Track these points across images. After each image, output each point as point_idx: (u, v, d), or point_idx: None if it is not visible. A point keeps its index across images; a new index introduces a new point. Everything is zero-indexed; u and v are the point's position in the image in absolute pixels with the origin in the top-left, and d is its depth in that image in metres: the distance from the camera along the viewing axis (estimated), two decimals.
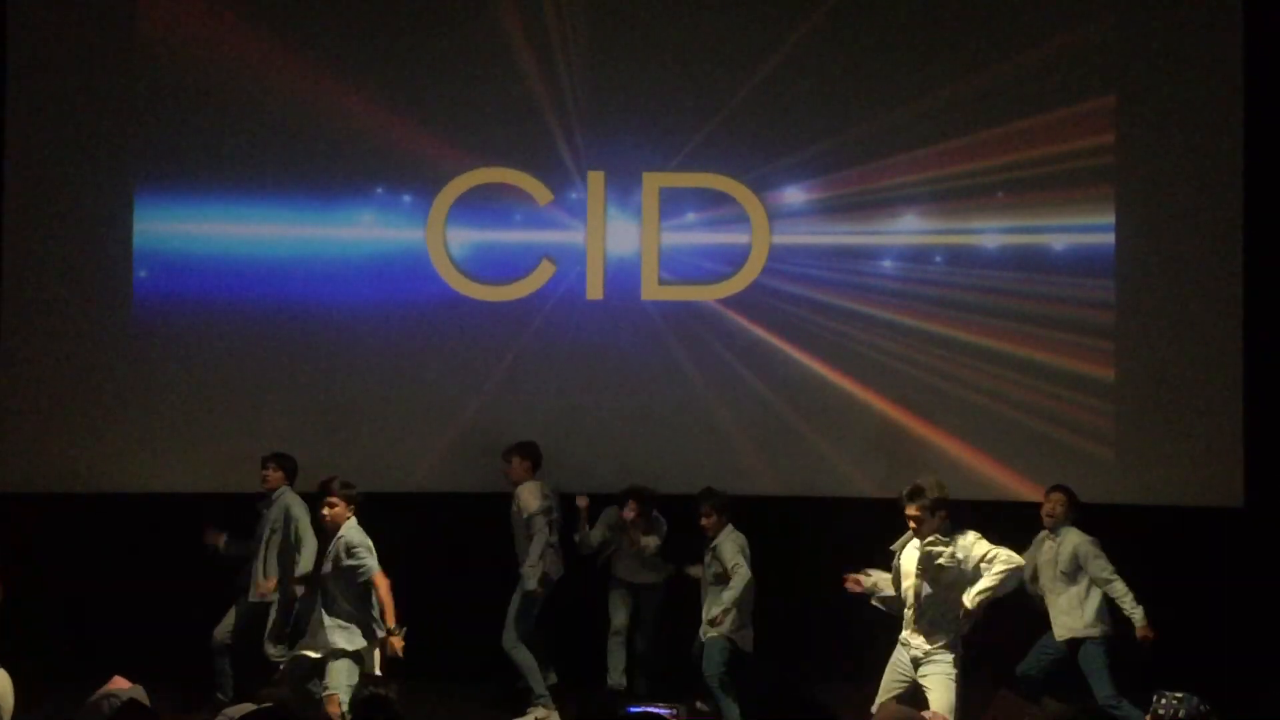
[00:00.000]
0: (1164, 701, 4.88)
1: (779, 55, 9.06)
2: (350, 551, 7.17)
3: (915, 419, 9.08)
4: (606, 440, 9.12)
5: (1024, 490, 8.92)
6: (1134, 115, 8.97)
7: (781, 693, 8.35)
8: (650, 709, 6.59)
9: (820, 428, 9.10)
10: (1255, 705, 6.82)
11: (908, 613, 6.73)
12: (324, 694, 7.10)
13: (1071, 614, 7.71)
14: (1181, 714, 4.79)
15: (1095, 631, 7.68)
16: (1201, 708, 4.80)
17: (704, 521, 8.12)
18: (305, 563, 8.00)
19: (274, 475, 8.29)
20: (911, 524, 6.66)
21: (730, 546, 8.01)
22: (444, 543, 8.88)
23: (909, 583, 6.71)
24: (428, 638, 7.78)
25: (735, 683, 7.91)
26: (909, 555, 6.74)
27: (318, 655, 7.19)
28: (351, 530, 7.25)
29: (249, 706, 5.41)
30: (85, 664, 7.33)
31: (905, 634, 6.73)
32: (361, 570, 7.15)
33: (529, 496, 8.33)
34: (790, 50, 9.07)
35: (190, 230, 9.04)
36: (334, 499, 7.26)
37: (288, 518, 8.16)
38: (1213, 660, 7.93)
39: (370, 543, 7.24)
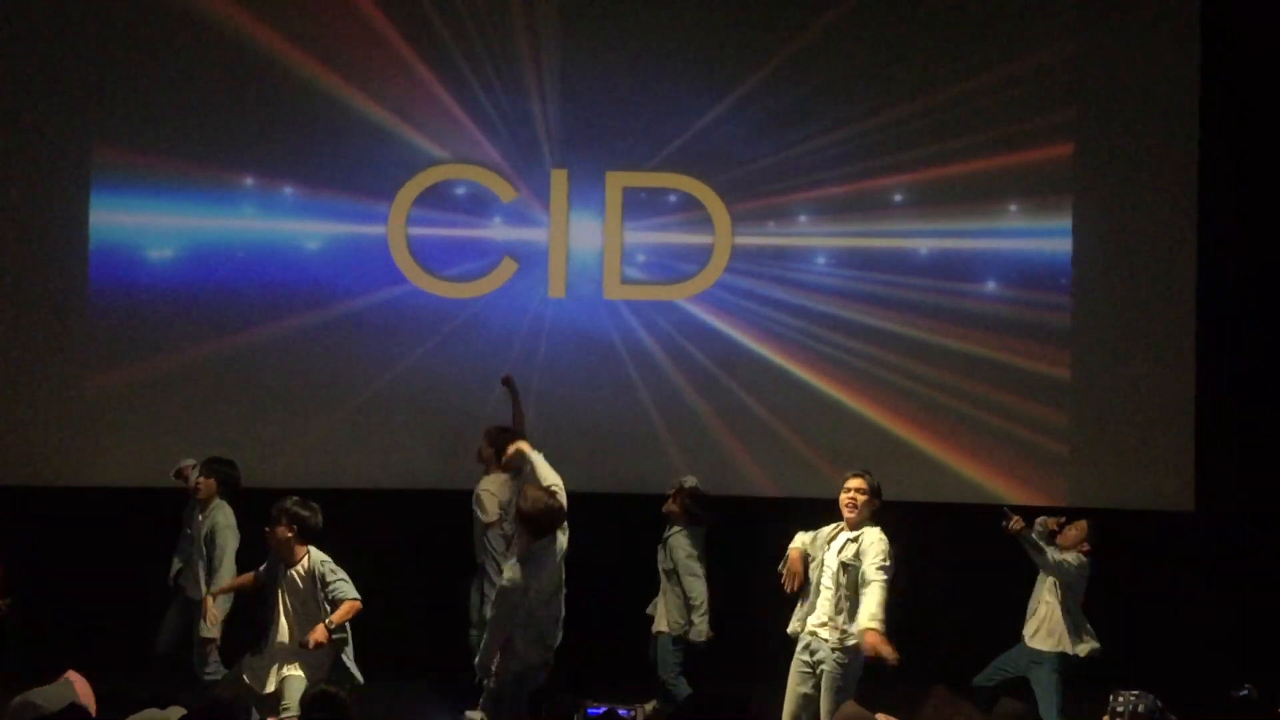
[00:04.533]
0: (1121, 699, 4.95)
1: (743, 56, 9.10)
2: (331, 573, 6.85)
3: (871, 420, 9.15)
4: (566, 439, 9.08)
5: (978, 494, 9.03)
6: (1092, 125, 9.08)
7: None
8: (613, 708, 6.58)
9: (778, 427, 9.15)
10: (1205, 706, 6.89)
11: (824, 604, 6.73)
12: (284, 715, 6.81)
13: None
14: (1140, 709, 4.86)
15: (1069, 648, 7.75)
16: (1158, 704, 4.88)
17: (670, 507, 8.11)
18: (220, 581, 7.66)
19: (206, 485, 7.84)
20: (849, 502, 6.74)
21: (682, 543, 8.03)
22: (399, 539, 8.84)
23: (834, 576, 6.72)
24: (383, 635, 7.77)
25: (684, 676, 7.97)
26: (841, 547, 6.74)
27: (274, 687, 6.88)
28: (316, 553, 6.93)
29: (180, 710, 5.29)
30: (32, 660, 7.23)
31: (813, 626, 6.75)
32: (340, 589, 6.84)
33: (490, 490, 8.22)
34: (755, 51, 9.11)
35: (147, 222, 8.96)
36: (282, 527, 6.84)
37: (213, 536, 7.76)
38: (1163, 661, 8.02)
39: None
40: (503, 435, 8.25)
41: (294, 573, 6.92)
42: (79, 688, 5.45)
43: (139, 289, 8.95)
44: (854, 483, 6.83)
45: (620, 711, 6.86)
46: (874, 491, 6.84)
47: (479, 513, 8.15)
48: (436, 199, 9.10)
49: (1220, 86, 9.04)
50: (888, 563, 6.63)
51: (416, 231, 9.08)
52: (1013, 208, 9.12)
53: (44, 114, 8.93)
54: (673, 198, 9.15)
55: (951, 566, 8.78)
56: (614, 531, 8.72)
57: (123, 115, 8.93)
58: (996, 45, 9.11)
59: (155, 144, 8.92)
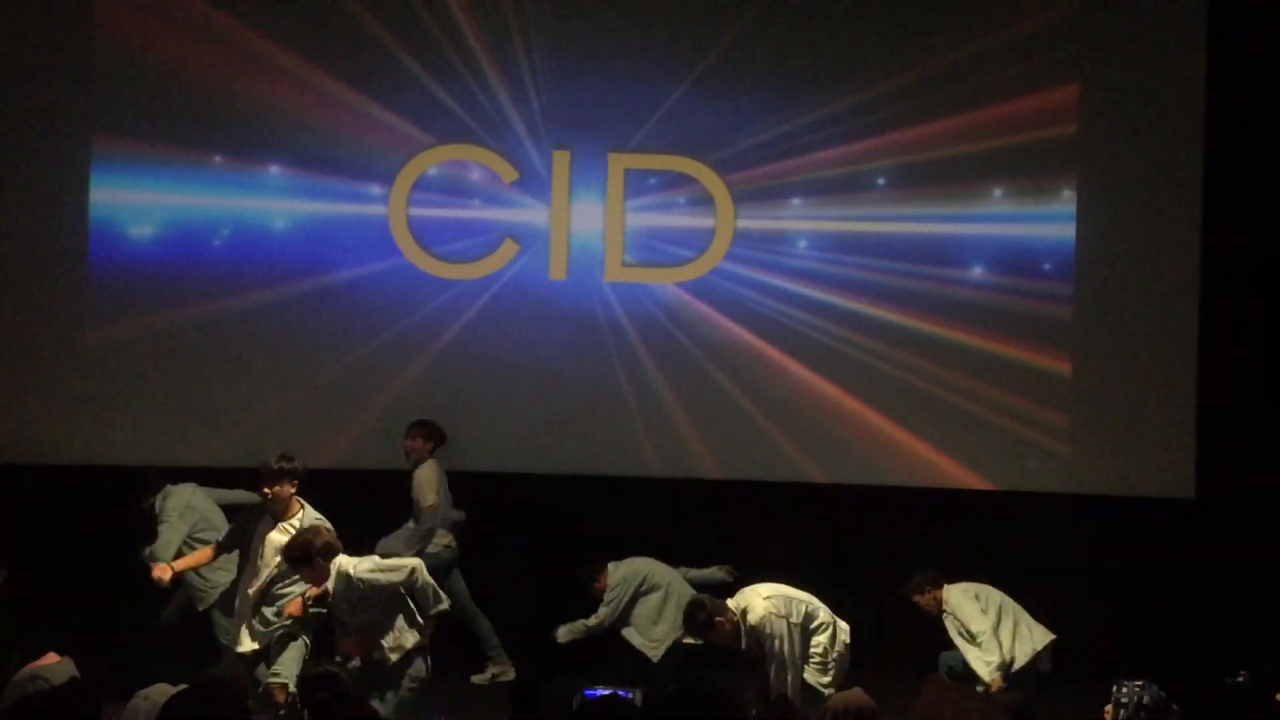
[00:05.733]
0: (1125, 690, 4.96)
1: (747, 39, 9.03)
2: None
3: (871, 408, 9.09)
4: (567, 421, 9.10)
5: (979, 482, 9.02)
6: (1096, 107, 9.02)
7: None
8: (614, 691, 6.59)
9: (777, 414, 9.10)
10: (1206, 694, 6.92)
11: None
12: (270, 681, 6.91)
13: None
14: (1145, 700, 4.87)
15: None
16: (1161, 694, 4.90)
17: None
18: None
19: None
20: None
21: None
22: (395, 520, 8.82)
23: None
24: None
25: None
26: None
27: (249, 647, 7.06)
28: (311, 511, 7.07)
29: (167, 688, 5.30)
30: (27, 636, 7.22)
31: None
32: None
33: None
34: (758, 34, 9.05)
35: (148, 200, 8.92)
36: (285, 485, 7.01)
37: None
38: (1164, 648, 8.03)
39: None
40: (429, 429, 8.43)
41: (283, 526, 6.97)
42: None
43: (136, 266, 8.90)
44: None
45: (620, 694, 6.87)
46: (700, 629, 7.01)
47: (422, 498, 8.31)
48: (437, 181, 9.05)
49: (1227, 64, 8.93)
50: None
51: (417, 213, 9.04)
52: (1014, 192, 9.06)
53: (47, 100, 8.88)
54: (675, 180, 9.10)
55: (947, 555, 8.75)
56: (611, 515, 8.73)
57: (122, 105, 8.88)
58: (997, 17, 9.01)
59: (152, 132, 8.87)
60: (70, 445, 8.85)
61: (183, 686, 4.95)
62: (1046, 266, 9.05)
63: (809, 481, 9.05)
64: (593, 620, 8.12)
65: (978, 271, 9.09)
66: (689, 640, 7.56)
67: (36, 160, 8.90)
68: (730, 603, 7.06)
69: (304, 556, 6.67)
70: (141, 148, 8.89)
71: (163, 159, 8.89)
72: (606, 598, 8.08)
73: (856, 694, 5.52)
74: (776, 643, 6.87)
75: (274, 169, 8.99)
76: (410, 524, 8.39)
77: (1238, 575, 8.68)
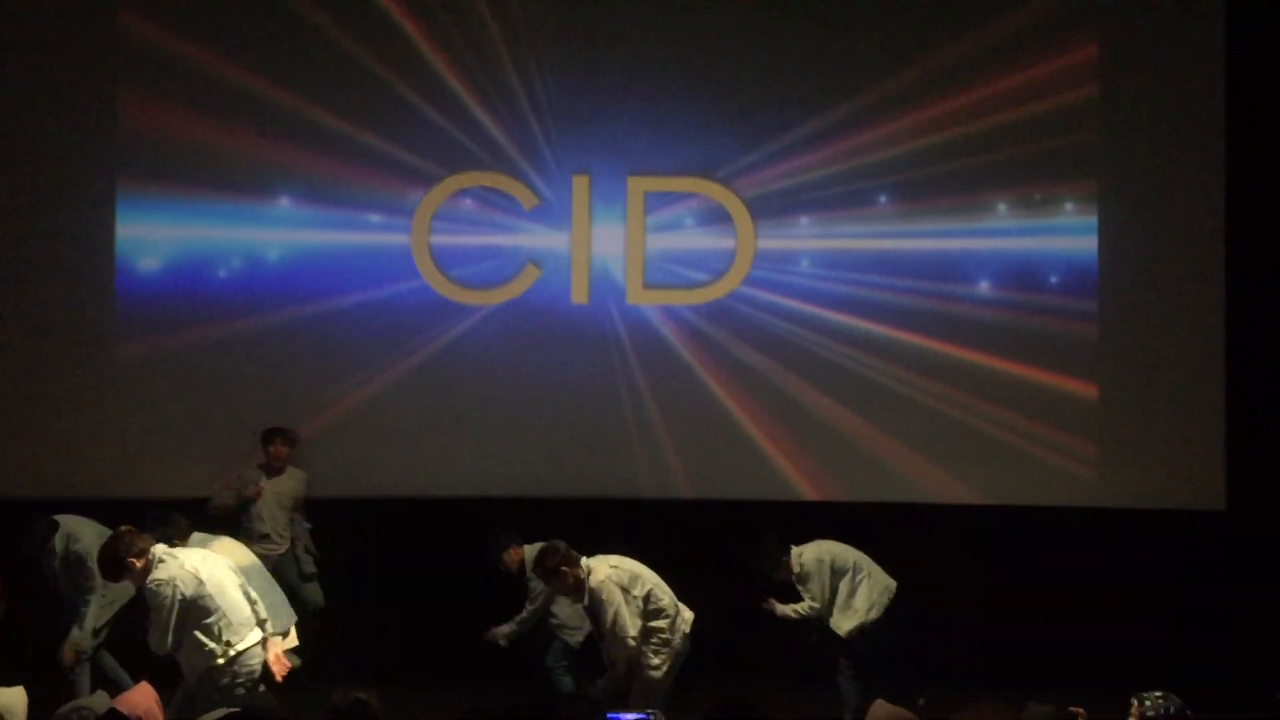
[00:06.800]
0: (1149, 702, 4.92)
1: (767, 59, 9.06)
2: None
3: (891, 432, 9.07)
4: (589, 445, 9.11)
5: (1008, 494, 8.96)
6: (1117, 118, 8.99)
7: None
8: (635, 716, 6.57)
9: (802, 434, 9.09)
10: (1235, 708, 6.86)
11: None
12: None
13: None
14: (1172, 711, 4.84)
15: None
16: (1181, 705, 4.87)
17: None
18: None
19: None
20: None
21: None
22: (419, 547, 8.85)
23: None
24: (406, 643, 7.80)
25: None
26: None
27: None
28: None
29: (222, 710, 5.37)
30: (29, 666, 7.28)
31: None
32: None
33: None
34: (777, 54, 9.07)
35: (173, 234, 9.01)
36: None
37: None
38: (1192, 662, 7.95)
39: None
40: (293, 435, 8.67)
41: None
42: (143, 698, 5.52)
43: (161, 295, 8.98)
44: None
45: (643, 717, 6.86)
46: (546, 573, 7.17)
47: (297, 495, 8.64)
48: (458, 208, 9.11)
49: (1249, 65, 8.90)
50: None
51: (439, 240, 9.09)
52: (1037, 203, 9.02)
53: (76, 143, 9.00)
54: (694, 202, 9.12)
55: (970, 571, 8.71)
56: (640, 538, 8.70)
57: (144, 147, 9.00)
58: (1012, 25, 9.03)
59: (175, 174, 8.99)
60: (97, 479, 8.90)
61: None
62: (1061, 281, 8.99)
63: (827, 501, 9.04)
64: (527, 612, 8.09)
65: (1000, 290, 9.03)
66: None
67: (62, 193, 9.00)
68: (582, 560, 7.16)
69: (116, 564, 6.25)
70: (164, 188, 8.97)
71: (187, 191, 8.98)
72: (534, 588, 8.00)
73: (900, 714, 5.51)
74: (610, 611, 6.98)
75: (293, 198, 9.05)
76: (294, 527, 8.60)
77: (1270, 588, 8.59)
